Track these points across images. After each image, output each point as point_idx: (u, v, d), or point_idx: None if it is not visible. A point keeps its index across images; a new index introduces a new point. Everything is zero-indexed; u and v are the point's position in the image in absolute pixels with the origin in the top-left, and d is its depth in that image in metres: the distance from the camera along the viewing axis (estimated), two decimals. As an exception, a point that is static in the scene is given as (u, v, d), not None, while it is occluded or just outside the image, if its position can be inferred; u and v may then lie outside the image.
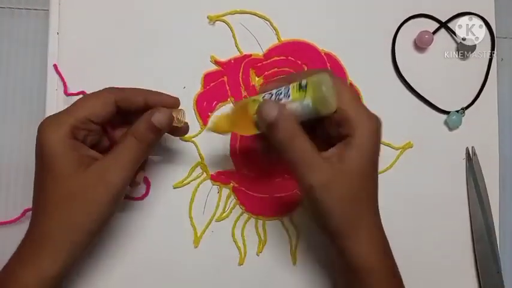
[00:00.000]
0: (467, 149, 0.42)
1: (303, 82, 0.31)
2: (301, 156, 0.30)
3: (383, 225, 0.33)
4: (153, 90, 0.35)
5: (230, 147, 0.40)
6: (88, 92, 0.38)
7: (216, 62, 0.40)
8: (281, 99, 0.31)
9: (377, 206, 0.33)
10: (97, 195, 0.30)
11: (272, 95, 0.32)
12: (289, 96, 0.31)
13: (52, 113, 0.38)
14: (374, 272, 0.31)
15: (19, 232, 0.31)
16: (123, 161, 0.31)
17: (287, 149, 0.31)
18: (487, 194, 0.41)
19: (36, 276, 0.29)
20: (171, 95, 0.39)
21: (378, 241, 0.32)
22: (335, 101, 0.31)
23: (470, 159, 0.41)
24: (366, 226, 0.32)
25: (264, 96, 0.33)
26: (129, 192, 0.38)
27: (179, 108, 0.35)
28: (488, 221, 0.41)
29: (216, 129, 0.36)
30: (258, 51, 0.41)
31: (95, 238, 0.32)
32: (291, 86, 0.32)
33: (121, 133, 0.34)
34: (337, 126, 0.32)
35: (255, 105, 0.32)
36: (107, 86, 0.39)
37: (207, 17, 0.40)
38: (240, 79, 0.40)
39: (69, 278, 0.37)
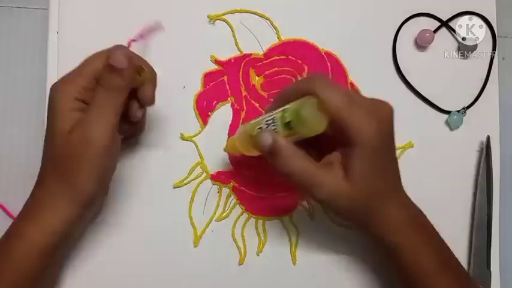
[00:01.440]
0: (487, 137, 0.42)
1: (286, 115, 0.31)
2: (303, 177, 0.31)
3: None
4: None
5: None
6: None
7: (216, 62, 0.40)
8: (275, 128, 0.32)
9: (398, 184, 0.34)
10: (86, 154, 0.31)
11: (270, 121, 0.32)
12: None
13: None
14: (403, 249, 0.33)
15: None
16: (98, 114, 0.31)
17: (288, 172, 0.31)
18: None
19: (40, 232, 0.31)
20: (171, 95, 0.39)
21: (404, 217, 0.33)
22: (322, 119, 0.30)
23: (489, 147, 0.41)
24: (389, 207, 0.33)
25: (262, 124, 0.33)
26: (129, 131, 0.36)
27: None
28: (490, 214, 0.41)
29: (228, 151, 0.39)
30: (258, 51, 0.41)
31: (97, 196, 0.32)
32: (277, 116, 0.32)
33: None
34: (338, 134, 0.31)
35: (254, 128, 0.33)
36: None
37: (207, 17, 0.40)
38: (240, 78, 0.40)
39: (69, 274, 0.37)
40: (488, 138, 0.41)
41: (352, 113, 0.30)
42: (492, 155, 0.42)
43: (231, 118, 0.40)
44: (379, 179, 0.32)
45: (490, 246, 0.40)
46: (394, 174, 0.34)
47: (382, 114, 0.32)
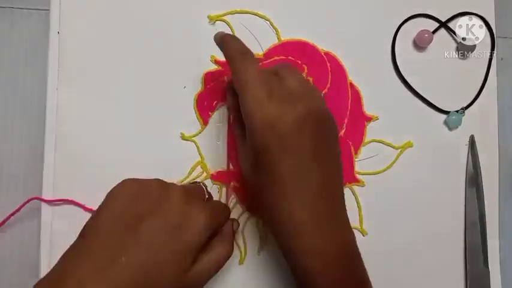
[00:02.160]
0: (471, 137, 0.42)
1: None
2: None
3: (383, 224, 0.33)
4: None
5: (227, 151, 0.40)
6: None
7: (216, 62, 0.40)
8: None
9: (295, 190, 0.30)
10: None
11: None
12: None
13: (52, 113, 0.38)
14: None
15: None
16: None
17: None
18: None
19: None
20: (172, 94, 0.39)
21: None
22: None
23: (474, 145, 0.42)
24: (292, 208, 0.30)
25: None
26: None
27: None
28: (482, 210, 0.41)
29: None
30: (258, 51, 0.41)
31: None
32: None
33: None
34: None
35: None
36: (107, 87, 0.39)
37: (207, 17, 0.40)
38: (240, 79, 0.40)
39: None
40: (472, 137, 0.42)
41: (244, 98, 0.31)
42: (491, 156, 0.42)
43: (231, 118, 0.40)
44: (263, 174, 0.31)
45: (486, 243, 0.40)
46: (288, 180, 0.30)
47: (290, 111, 0.30)
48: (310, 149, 0.30)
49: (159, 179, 0.32)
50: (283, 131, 0.29)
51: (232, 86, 0.34)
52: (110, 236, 0.28)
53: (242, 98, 0.31)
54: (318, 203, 0.30)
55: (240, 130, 0.36)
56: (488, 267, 0.40)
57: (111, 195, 0.31)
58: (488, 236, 0.41)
